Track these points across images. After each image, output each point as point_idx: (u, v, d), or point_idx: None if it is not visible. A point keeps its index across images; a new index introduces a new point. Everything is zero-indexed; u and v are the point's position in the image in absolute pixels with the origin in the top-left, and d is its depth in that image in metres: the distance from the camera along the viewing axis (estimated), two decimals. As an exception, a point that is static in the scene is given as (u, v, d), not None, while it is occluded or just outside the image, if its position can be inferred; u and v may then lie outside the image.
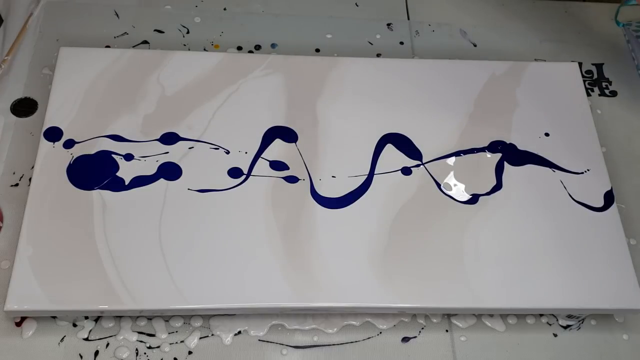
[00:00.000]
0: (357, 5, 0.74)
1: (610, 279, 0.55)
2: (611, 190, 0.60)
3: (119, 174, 0.56)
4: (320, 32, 0.71)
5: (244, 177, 0.57)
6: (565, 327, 0.57)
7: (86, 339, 0.52)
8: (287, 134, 0.59)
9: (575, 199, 0.59)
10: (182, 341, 0.53)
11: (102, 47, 0.66)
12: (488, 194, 0.58)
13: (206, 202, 0.55)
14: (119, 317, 0.53)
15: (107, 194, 0.54)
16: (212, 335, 0.53)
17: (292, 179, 0.57)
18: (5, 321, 0.52)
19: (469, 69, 0.66)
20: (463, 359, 0.54)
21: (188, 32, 0.69)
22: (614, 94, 0.71)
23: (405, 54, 0.71)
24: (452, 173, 0.59)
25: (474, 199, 0.58)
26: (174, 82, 0.61)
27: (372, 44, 0.71)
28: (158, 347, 0.52)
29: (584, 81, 0.70)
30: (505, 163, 0.60)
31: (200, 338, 0.53)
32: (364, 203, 0.56)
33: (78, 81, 0.60)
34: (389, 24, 0.73)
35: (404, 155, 0.60)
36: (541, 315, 0.57)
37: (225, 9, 0.72)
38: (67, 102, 0.59)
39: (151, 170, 0.56)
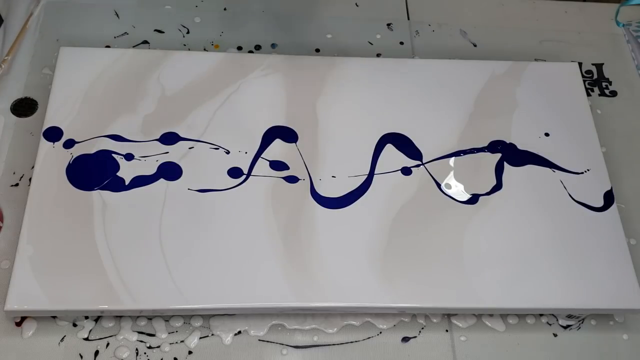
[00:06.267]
0: (357, 5, 0.74)
1: (610, 279, 0.55)
2: (611, 190, 0.60)
3: (119, 174, 0.56)
4: (320, 32, 0.71)
5: (244, 177, 0.57)
6: (565, 327, 0.57)
7: (86, 339, 0.52)
8: (287, 134, 0.59)
9: (575, 199, 0.59)
10: (182, 341, 0.53)
11: (102, 47, 0.66)
12: (488, 194, 0.58)
13: (206, 202, 0.55)
14: (119, 317, 0.53)
15: (107, 194, 0.54)
16: (212, 335, 0.53)
17: (292, 179, 0.57)
18: (5, 321, 0.52)
19: (469, 69, 0.66)
20: (463, 359, 0.54)
21: (188, 32, 0.69)
22: (614, 94, 0.71)
23: (405, 54, 0.71)
24: (452, 173, 0.59)
25: (474, 199, 0.58)
26: (174, 82, 0.61)
27: (372, 44, 0.71)
28: (158, 347, 0.52)
29: (584, 81, 0.70)
30: (505, 163, 0.60)
31: (200, 338, 0.53)
32: (364, 203, 0.56)
33: (78, 81, 0.60)
34: (389, 24, 0.73)
35: (404, 155, 0.60)
36: (541, 315, 0.57)
37: (225, 9, 0.72)
38: (67, 102, 0.59)
39: (151, 170, 0.56)
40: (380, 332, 0.55)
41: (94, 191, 0.54)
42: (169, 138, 0.58)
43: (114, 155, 0.57)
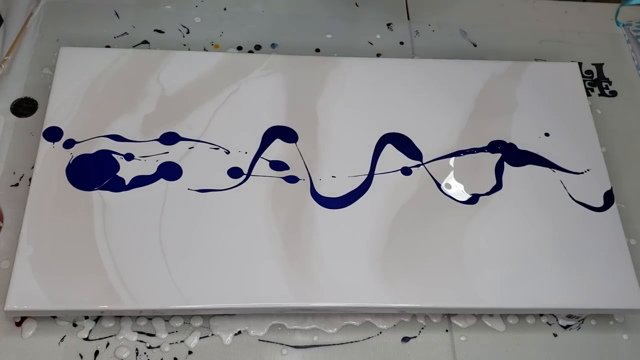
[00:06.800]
0: (357, 5, 0.74)
1: (610, 279, 0.55)
2: (611, 190, 0.60)
3: (119, 174, 0.56)
4: (320, 32, 0.71)
5: (244, 177, 0.57)
6: (565, 327, 0.57)
7: (86, 339, 0.52)
8: (287, 134, 0.59)
9: (575, 199, 0.59)
10: (182, 341, 0.53)
11: (102, 47, 0.66)
12: (488, 194, 0.58)
13: (206, 202, 0.55)
14: (119, 317, 0.53)
15: (107, 194, 0.54)
16: (212, 335, 0.53)
17: (292, 179, 0.57)
18: (5, 321, 0.52)
19: (469, 69, 0.66)
20: (463, 359, 0.54)
21: (188, 32, 0.69)
22: (614, 94, 0.71)
23: (405, 54, 0.71)
24: (452, 173, 0.59)
25: (474, 199, 0.58)
26: (174, 82, 0.61)
27: (372, 44, 0.71)
28: (158, 347, 0.52)
29: (584, 81, 0.70)
30: (505, 163, 0.60)
31: (200, 338, 0.53)
32: (364, 203, 0.56)
33: (78, 81, 0.60)
34: (389, 24, 0.73)
35: (404, 155, 0.60)
36: (541, 315, 0.57)
37: (225, 9, 0.72)
38: (67, 102, 0.59)
39: (151, 170, 0.56)
40: (380, 332, 0.55)
41: (94, 191, 0.54)
42: (169, 138, 0.58)
43: (114, 155, 0.57)
